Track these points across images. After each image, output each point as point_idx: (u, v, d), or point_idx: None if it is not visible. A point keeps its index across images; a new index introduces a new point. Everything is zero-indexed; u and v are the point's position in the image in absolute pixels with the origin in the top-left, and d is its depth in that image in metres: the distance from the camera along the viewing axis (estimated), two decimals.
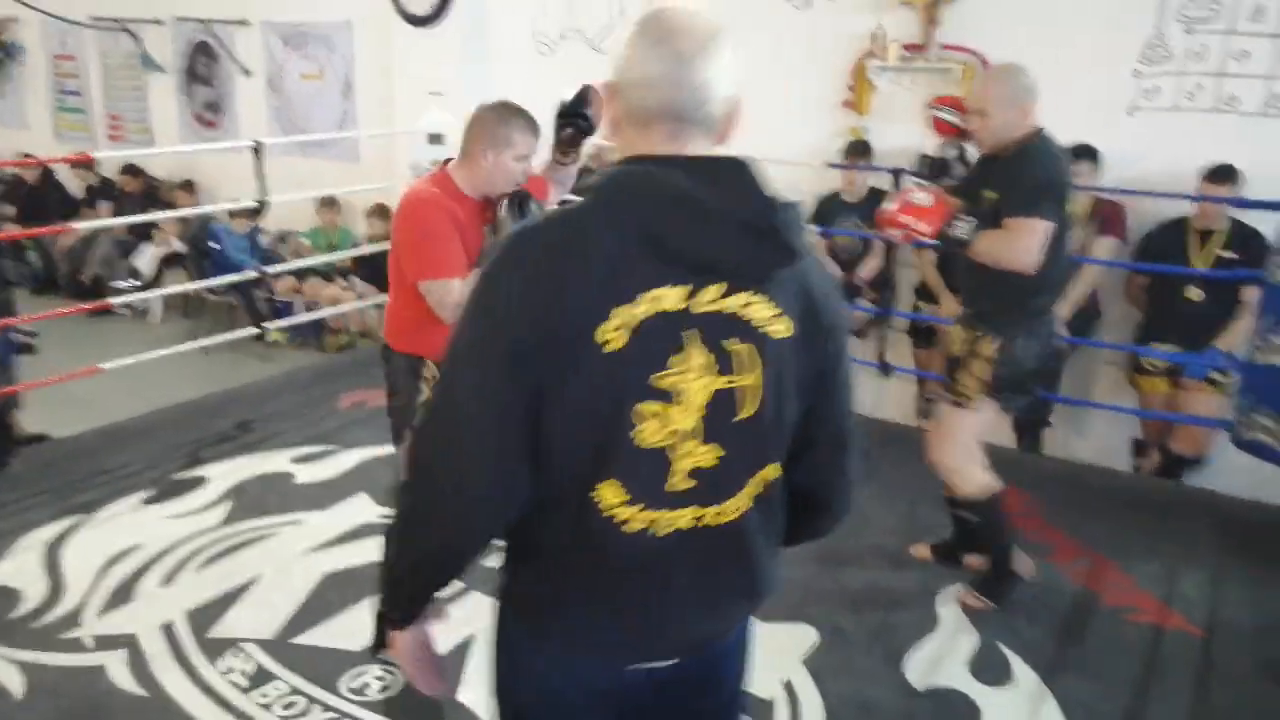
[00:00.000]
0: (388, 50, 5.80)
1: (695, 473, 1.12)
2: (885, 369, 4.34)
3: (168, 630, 2.79)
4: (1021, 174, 2.55)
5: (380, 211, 5.87)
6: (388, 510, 3.28)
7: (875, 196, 4.43)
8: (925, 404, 4.47)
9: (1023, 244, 2.51)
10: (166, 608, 2.89)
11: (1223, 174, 3.67)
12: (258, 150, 4.32)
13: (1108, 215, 3.97)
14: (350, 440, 4.11)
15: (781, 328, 1.12)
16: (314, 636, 2.77)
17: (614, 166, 1.12)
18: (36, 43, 7.98)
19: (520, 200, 2.41)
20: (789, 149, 4.66)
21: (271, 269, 5.32)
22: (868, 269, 4.51)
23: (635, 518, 1.11)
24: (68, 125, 8.07)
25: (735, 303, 1.09)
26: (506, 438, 1.08)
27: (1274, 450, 3.09)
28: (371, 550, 3.05)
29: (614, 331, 1.05)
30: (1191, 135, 3.86)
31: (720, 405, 1.11)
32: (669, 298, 1.06)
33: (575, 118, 2.50)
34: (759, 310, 1.10)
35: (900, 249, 4.32)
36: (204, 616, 2.85)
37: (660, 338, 1.07)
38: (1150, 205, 3.90)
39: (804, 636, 2.78)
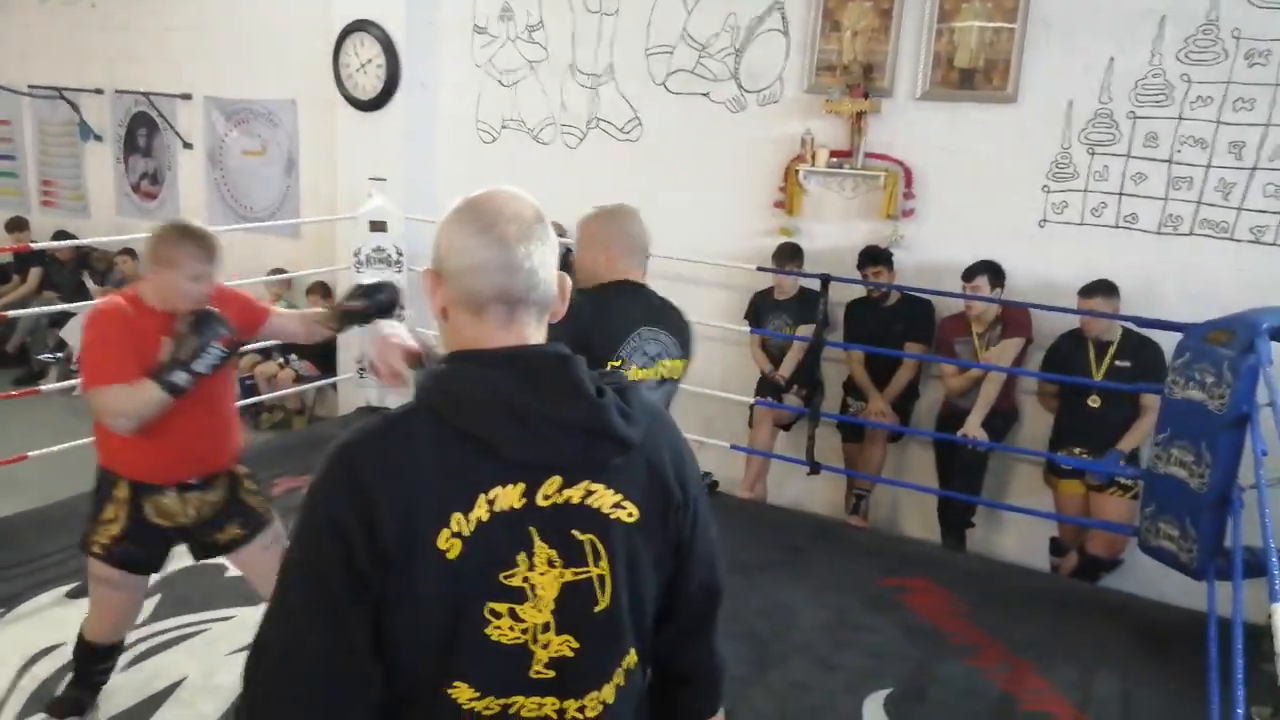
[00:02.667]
0: (332, 132, 5.88)
1: (553, 663, 1.11)
2: (813, 467, 4.44)
3: None
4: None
5: (320, 289, 5.90)
6: None
7: (804, 295, 4.61)
8: (854, 499, 4.62)
9: None
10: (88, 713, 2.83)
11: (1092, 289, 3.92)
12: None
13: (1011, 318, 4.20)
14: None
15: (625, 514, 1.12)
16: None
17: (440, 365, 1.12)
18: None
19: (200, 318, 2.44)
20: (725, 244, 4.85)
21: None
22: (785, 366, 4.65)
23: (491, 705, 1.10)
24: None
25: (575, 493, 1.10)
26: (344, 649, 1.06)
27: (1177, 557, 3.27)
28: None
29: (454, 537, 1.04)
30: (1096, 249, 4.13)
31: (573, 597, 1.11)
32: (506, 496, 1.06)
33: (365, 310, 2.70)
34: (600, 499, 1.11)
35: (823, 348, 4.48)
36: None
37: (504, 536, 1.07)
38: (1054, 314, 4.11)
39: None
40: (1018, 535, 4.49)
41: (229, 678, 3.01)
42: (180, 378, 2.39)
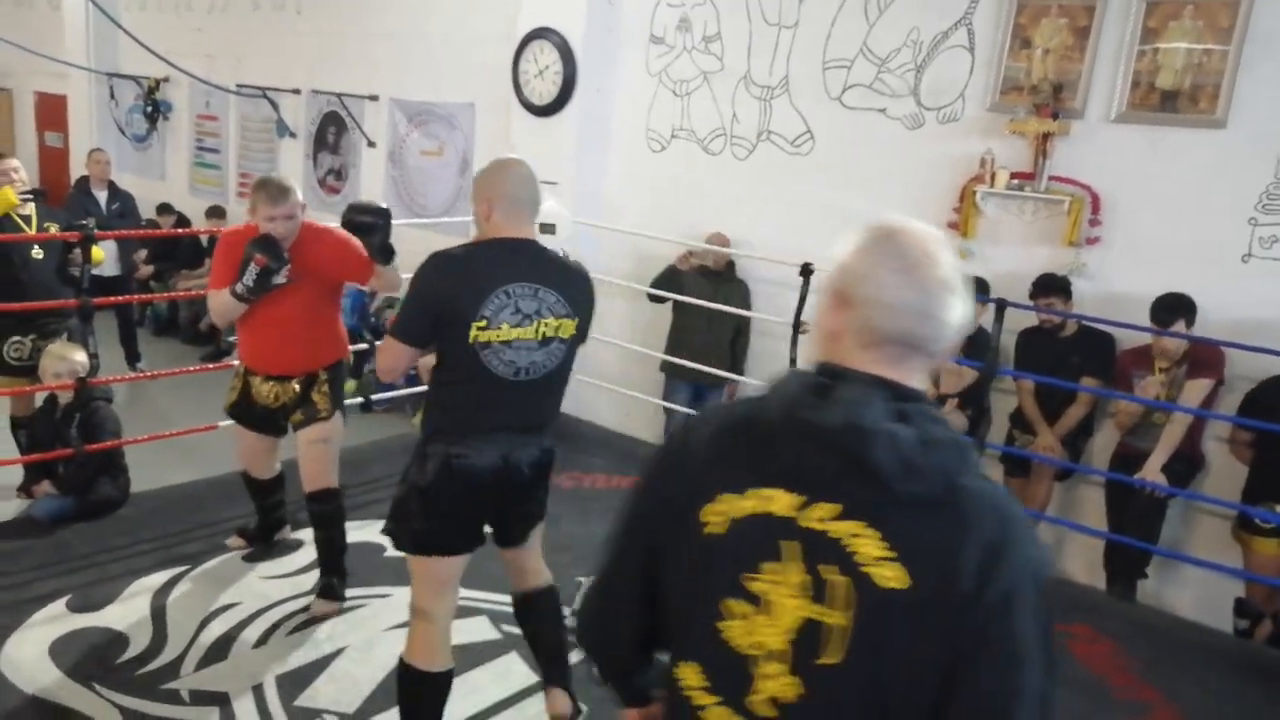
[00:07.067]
0: (506, 135, 6.07)
1: (776, 703, 1.05)
2: None
3: (258, 693, 2.90)
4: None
5: None
6: (471, 594, 3.34)
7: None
8: None
9: (381, 360, 2.43)
10: (258, 669, 3.01)
11: None
12: None
13: (1201, 358, 3.90)
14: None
15: (890, 574, 1.00)
16: (392, 717, 2.83)
17: (806, 367, 1.13)
18: (184, 102, 8.60)
19: (250, 242, 3.10)
20: None
21: (380, 342, 5.50)
22: (947, 384, 4.46)
23: (714, 710, 1.08)
24: (202, 180, 8.62)
25: (843, 529, 1.02)
26: (631, 578, 1.23)
27: None
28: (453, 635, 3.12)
29: (715, 515, 1.09)
30: None
31: (809, 637, 1.03)
32: (778, 501, 1.05)
33: (363, 226, 3.17)
34: (865, 545, 1.01)
35: (994, 377, 4.30)
36: (291, 683, 2.96)
37: (757, 538, 1.05)
38: (1255, 356, 3.79)
39: None
40: (1198, 591, 4.16)
41: (386, 651, 3.13)
42: (236, 287, 3.11)
